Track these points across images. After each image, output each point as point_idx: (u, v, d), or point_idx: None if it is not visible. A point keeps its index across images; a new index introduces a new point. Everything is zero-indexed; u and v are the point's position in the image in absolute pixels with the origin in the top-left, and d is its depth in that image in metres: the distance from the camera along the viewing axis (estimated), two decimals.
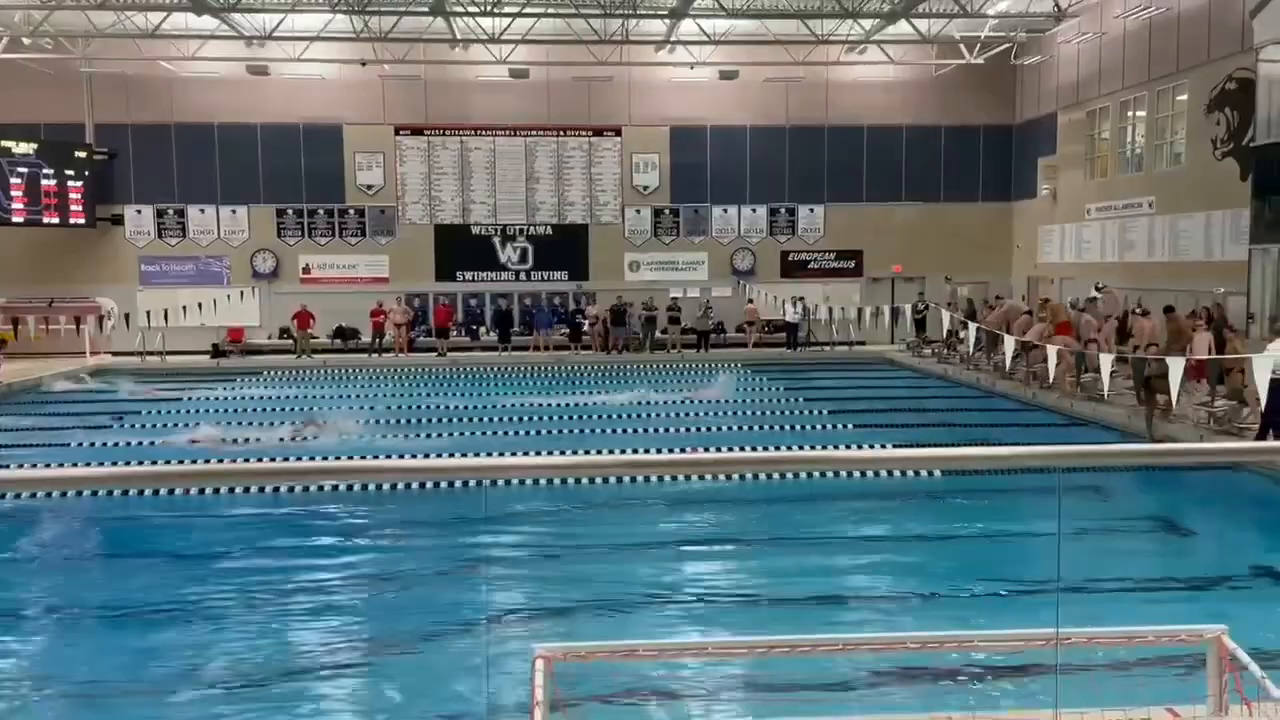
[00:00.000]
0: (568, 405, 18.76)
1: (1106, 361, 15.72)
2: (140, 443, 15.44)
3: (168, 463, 12.97)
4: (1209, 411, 14.52)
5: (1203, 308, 17.79)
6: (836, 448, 13.67)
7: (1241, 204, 18.78)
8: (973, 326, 21.47)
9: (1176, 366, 13.67)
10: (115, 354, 26.14)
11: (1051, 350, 17.56)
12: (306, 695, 6.78)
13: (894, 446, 13.00)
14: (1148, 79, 22.54)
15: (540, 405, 18.61)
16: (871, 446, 13.53)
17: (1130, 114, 23.82)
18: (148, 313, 26.93)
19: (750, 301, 28.36)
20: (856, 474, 11.92)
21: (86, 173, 27.04)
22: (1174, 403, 14.21)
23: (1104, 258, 24.30)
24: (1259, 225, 18.17)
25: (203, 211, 28.28)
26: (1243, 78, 19.01)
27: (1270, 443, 11.86)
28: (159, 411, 18.50)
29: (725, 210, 29.41)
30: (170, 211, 28.23)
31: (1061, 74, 26.39)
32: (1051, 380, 17.99)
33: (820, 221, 29.58)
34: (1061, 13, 24.51)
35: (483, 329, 28.60)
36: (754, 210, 29.47)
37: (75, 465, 13.28)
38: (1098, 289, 21.42)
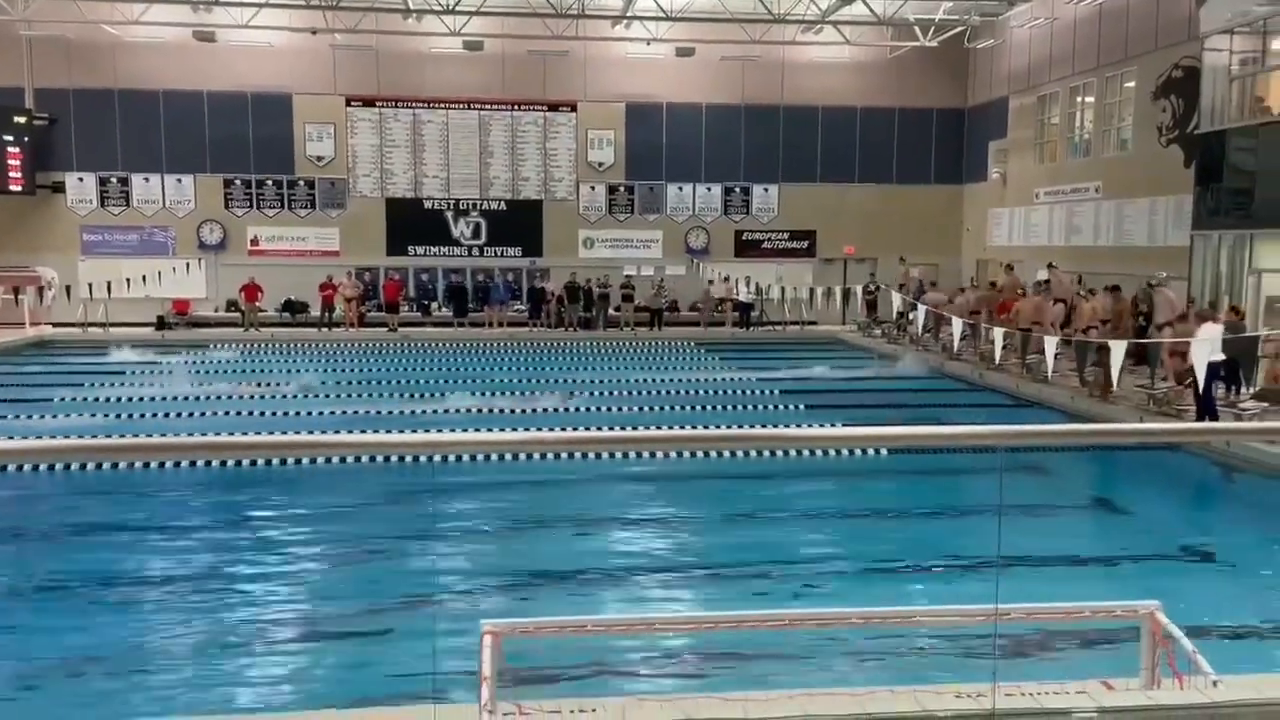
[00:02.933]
0: (520, 381, 18.69)
1: (1050, 344, 16.00)
2: (80, 415, 15.12)
3: (109, 436, 12.73)
4: (1149, 393, 14.86)
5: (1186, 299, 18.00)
6: (787, 426, 13.79)
7: (1185, 190, 19.16)
8: (921, 308, 21.74)
9: (1119, 347, 13.96)
10: (56, 325, 25.53)
11: (998, 333, 17.84)
12: (250, 672, 6.72)
13: (843, 425, 13.13)
14: (1097, 65, 22.87)
15: (493, 381, 18.52)
16: (821, 425, 13.68)
17: (1079, 99, 24.17)
18: (90, 284, 26.30)
19: (711, 282, 28.33)
20: (806, 452, 12.04)
21: (26, 138, 26.26)
22: (1114, 383, 14.54)
23: (1051, 241, 24.69)
24: (1201, 212, 18.57)
25: (147, 180, 27.64)
26: (1189, 66, 19.36)
27: (1207, 424, 12.20)
28: (102, 384, 18.12)
29: (680, 188, 29.39)
30: (114, 180, 27.55)
31: (1013, 58, 26.68)
32: (998, 361, 18.27)
33: (774, 201, 29.68)
34: None
35: (435, 304, 28.35)
36: (709, 189, 29.49)
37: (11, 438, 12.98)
38: (1049, 268, 21.77)
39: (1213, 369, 12.69)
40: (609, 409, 15.96)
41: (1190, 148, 19.28)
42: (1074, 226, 23.79)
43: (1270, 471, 11.54)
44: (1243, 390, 14.06)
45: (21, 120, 26.27)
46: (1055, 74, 24.65)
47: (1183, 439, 12.15)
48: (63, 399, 16.49)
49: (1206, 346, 12.61)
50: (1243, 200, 17.80)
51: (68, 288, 26.37)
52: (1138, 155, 21.47)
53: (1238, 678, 4.12)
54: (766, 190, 29.65)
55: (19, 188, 26.39)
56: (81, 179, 27.41)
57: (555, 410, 15.91)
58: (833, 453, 12.15)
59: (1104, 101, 22.97)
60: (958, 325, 19.42)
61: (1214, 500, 11.98)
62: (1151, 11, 20.76)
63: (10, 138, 26.01)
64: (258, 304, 25.99)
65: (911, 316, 22.55)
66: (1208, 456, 12.44)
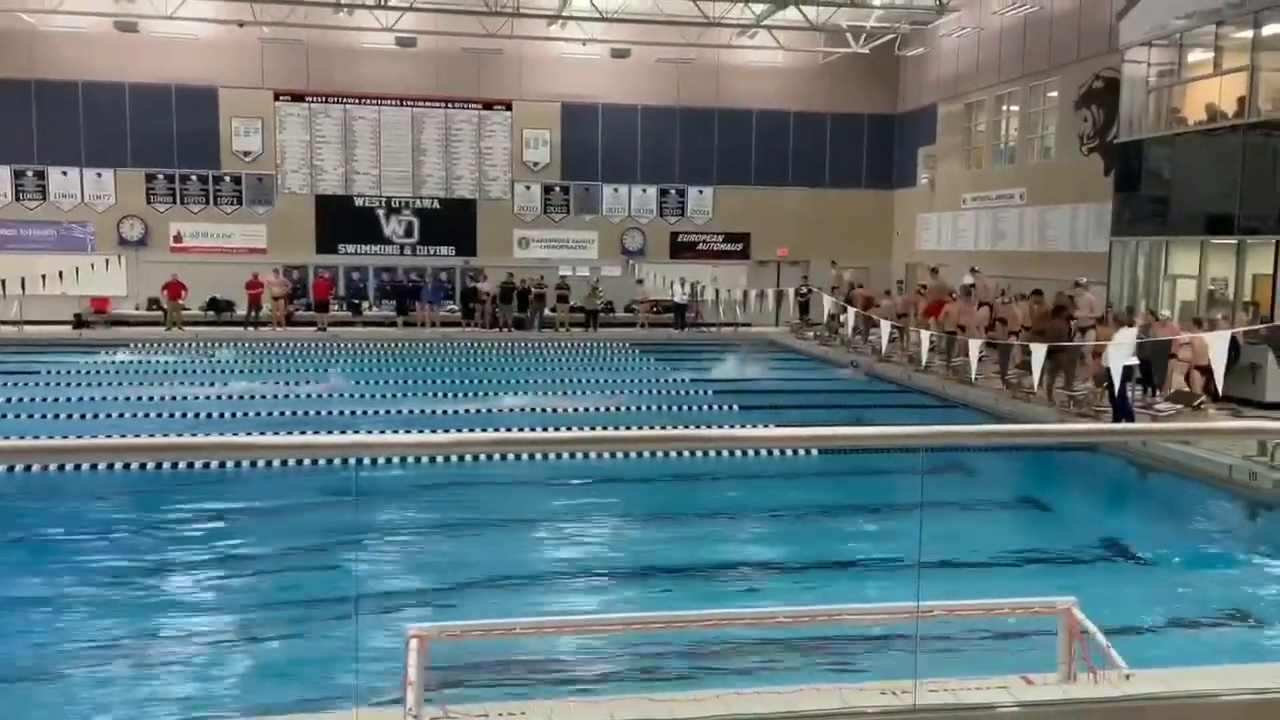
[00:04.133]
0: (451, 382, 18.50)
1: (975, 346, 16.35)
2: None
3: (21, 438, 12.29)
4: (1069, 395, 15.26)
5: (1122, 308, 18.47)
6: (720, 427, 13.86)
7: (1105, 198, 19.73)
8: (851, 311, 22.05)
9: (1039, 351, 14.31)
10: None
11: (924, 336, 18.17)
12: (171, 680, 6.54)
13: (774, 426, 13.25)
14: (1022, 74, 23.44)
15: (425, 382, 18.32)
16: (753, 426, 13.79)
17: (1005, 108, 24.75)
18: (3, 280, 25.35)
19: (640, 281, 28.39)
20: (737, 452, 12.11)
21: None
22: (1036, 385, 14.90)
23: (978, 246, 25.24)
24: (1120, 219, 19.13)
25: (65, 174, 26.78)
26: (1109, 77, 19.93)
27: (1123, 424, 12.55)
28: (14, 384, 17.49)
29: (616, 189, 29.41)
30: (29, 173, 26.64)
31: (942, 66, 27.21)
32: (925, 364, 18.61)
33: (709, 203, 29.86)
34: (943, 6, 25.25)
35: (366, 303, 27.94)
36: (644, 190, 29.56)
37: None
38: (973, 272, 22.24)
39: (1127, 371, 13.07)
40: (542, 409, 15.88)
41: (1110, 156, 19.86)
42: (999, 232, 24.34)
43: (1183, 471, 11.92)
44: (1156, 393, 14.52)
45: None
46: (982, 82, 25.20)
47: (1100, 439, 12.50)
48: None
49: (1122, 350, 12.99)
50: (1159, 208, 18.38)
51: None
52: (1060, 163, 22.05)
53: (1149, 671, 4.24)
54: (701, 192, 29.81)
55: None
56: None
57: (485, 411, 15.78)
58: (764, 453, 12.24)
59: (1028, 110, 23.55)
60: (886, 328, 19.72)
61: (1129, 499, 12.34)
62: (1074, 23, 21.34)
63: None
64: (181, 302, 25.32)
65: (842, 319, 22.85)
66: (1124, 456, 12.81)
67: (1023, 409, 15.37)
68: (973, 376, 16.71)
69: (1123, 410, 13.18)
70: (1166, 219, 18.09)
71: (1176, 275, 18.15)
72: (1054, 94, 22.42)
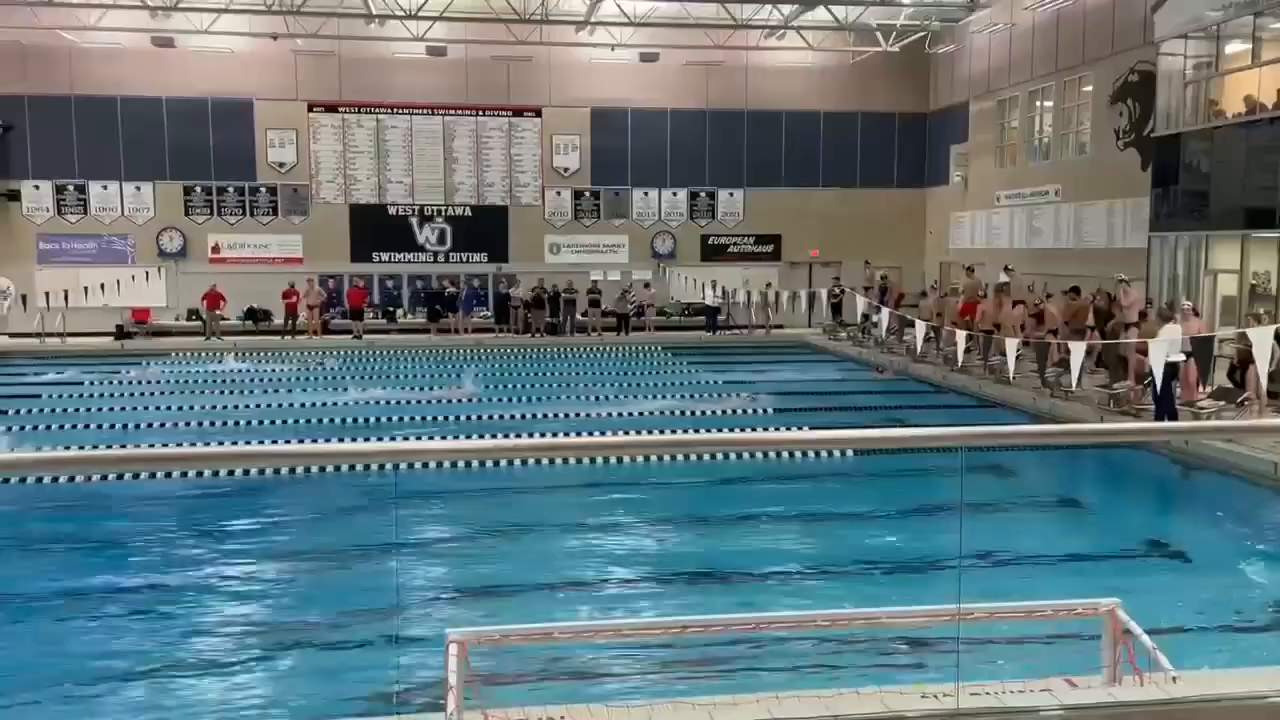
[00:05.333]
0: (488, 387, 18.61)
1: (1012, 345, 16.18)
2: (37, 428, 14.86)
3: (66, 449, 12.51)
4: (1109, 393, 15.07)
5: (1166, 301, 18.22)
6: (754, 430, 13.84)
7: (1142, 193, 19.45)
8: (885, 311, 21.92)
9: (1078, 350, 14.14)
10: (12, 335, 25.08)
11: (960, 335, 18.01)
12: (214, 683, 6.63)
13: (809, 428, 13.19)
14: (1055, 70, 23.18)
15: (462, 387, 18.46)
16: (788, 429, 13.75)
17: (1038, 104, 24.48)
18: (47, 293, 25.84)
19: (646, 286, 28.33)
20: (773, 455, 12.08)
21: None
22: (1075, 383, 14.73)
23: (1012, 244, 24.98)
24: (1158, 214, 18.86)
25: (105, 188, 27.24)
26: (1144, 70, 19.67)
27: (1165, 424, 12.38)
28: (58, 395, 17.82)
29: (646, 193, 29.43)
30: (70, 188, 27.12)
31: (974, 63, 26.98)
32: (960, 363, 18.44)
33: (739, 206, 29.80)
34: (974, 3, 25.05)
35: (400, 310, 28.17)
36: (674, 193, 29.55)
37: None
38: (1006, 271, 22.05)
39: (1171, 369, 12.87)
40: (577, 414, 15.92)
41: (1147, 151, 19.58)
42: (1034, 229, 24.08)
43: (1227, 469, 11.73)
44: (1201, 389, 14.28)
45: None
46: (1014, 79, 24.95)
47: (1143, 439, 12.35)
48: (18, 411, 16.19)
49: (1165, 346, 12.80)
50: (1198, 202, 18.10)
51: (24, 297, 25.91)
52: (1096, 159, 21.78)
53: (1196, 674, 4.19)
54: (732, 194, 29.76)
55: None
56: (38, 187, 26.95)
57: (522, 417, 15.86)
58: (799, 455, 12.20)
59: (1062, 106, 23.29)
60: (921, 328, 19.58)
61: (1173, 498, 12.16)
62: (1108, 17, 21.08)
63: None
64: (219, 312, 25.68)
65: (875, 319, 22.72)
66: (1167, 455, 12.63)
67: (1061, 408, 15.20)
68: (1010, 375, 16.54)
69: (1166, 408, 12.99)
70: (1206, 213, 17.80)
71: (1217, 270, 17.86)
72: (1088, 89, 22.16)
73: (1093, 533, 10.34)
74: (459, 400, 17.31)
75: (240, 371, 21.26)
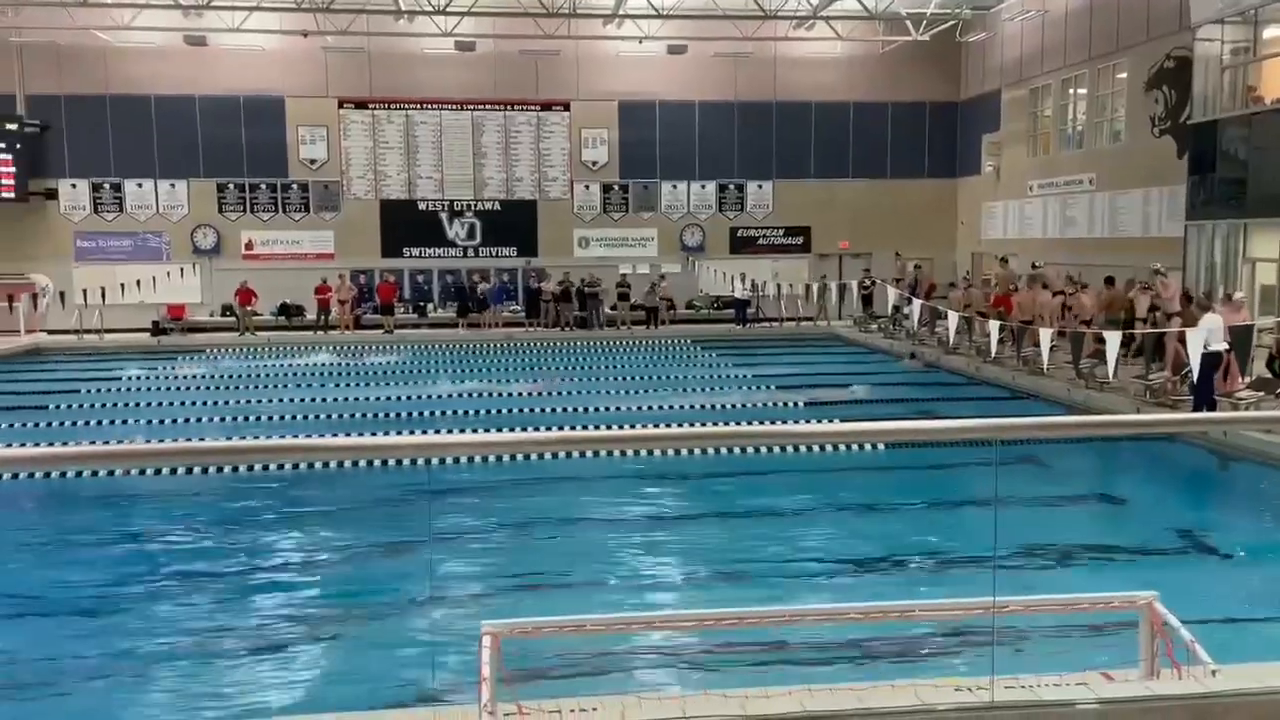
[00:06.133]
0: (516, 382, 18.70)
1: (1046, 336, 16.02)
2: (75, 423, 15.11)
3: (105, 443, 12.69)
4: (1145, 384, 14.88)
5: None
6: (784, 422, 13.81)
7: (1178, 181, 19.17)
8: (916, 302, 21.76)
9: (1114, 340, 13.97)
10: (51, 332, 25.49)
11: (993, 326, 17.85)
12: (249, 675, 6.72)
13: (840, 421, 13.15)
14: (1089, 57, 22.88)
15: (489, 382, 18.55)
16: (819, 421, 13.71)
17: (1072, 91, 24.18)
18: (84, 290, 26.24)
19: (662, 279, 28.27)
20: (804, 448, 12.04)
21: (18, 145, 26.21)
22: (1111, 374, 14.56)
23: (1046, 233, 24.71)
24: (1195, 202, 18.57)
25: (140, 186, 27.60)
26: (1180, 56, 19.36)
27: (1202, 414, 12.20)
28: (97, 390, 18.10)
29: (674, 186, 29.39)
30: (106, 186, 27.50)
31: (1005, 51, 26.69)
32: (994, 354, 18.28)
33: (768, 198, 29.68)
34: None
35: (430, 305, 28.34)
36: (703, 186, 29.48)
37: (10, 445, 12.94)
38: (1034, 268, 21.83)
39: (1213, 359, 12.68)
40: (606, 408, 15.96)
41: (1183, 138, 19.29)
42: (1068, 219, 23.81)
43: (1267, 460, 11.55)
44: (1240, 380, 14.06)
45: (13, 127, 26.21)
46: (1047, 66, 24.66)
47: (1180, 429, 12.19)
48: (57, 406, 16.47)
49: (1203, 336, 12.61)
50: (1236, 190, 17.80)
51: (61, 294, 26.32)
52: (1131, 146, 21.48)
53: (1236, 667, 4.13)
54: (761, 186, 29.65)
55: (11, 195, 26.34)
56: (74, 185, 27.36)
57: (552, 410, 15.90)
58: (830, 448, 12.16)
59: (1096, 93, 22.98)
60: (953, 319, 19.42)
61: (1211, 490, 11.99)
62: (1142, 2, 20.76)
63: (2, 145, 25.96)
64: (251, 308, 25.96)
65: (907, 311, 22.57)
66: (1205, 446, 12.46)
67: (1096, 399, 15.03)
68: (1044, 367, 16.38)
69: (1204, 399, 12.81)
70: (1244, 201, 17.50)
71: (1256, 259, 17.57)
72: (1123, 75, 21.85)
73: (1129, 525, 10.22)
74: (537, 394, 17.41)
75: (324, 365, 21.41)
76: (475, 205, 28.70)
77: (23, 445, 12.22)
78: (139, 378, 19.72)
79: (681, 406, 16.15)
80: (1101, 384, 15.39)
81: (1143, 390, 14.83)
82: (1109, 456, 12.83)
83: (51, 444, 12.07)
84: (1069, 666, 4.24)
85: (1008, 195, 26.72)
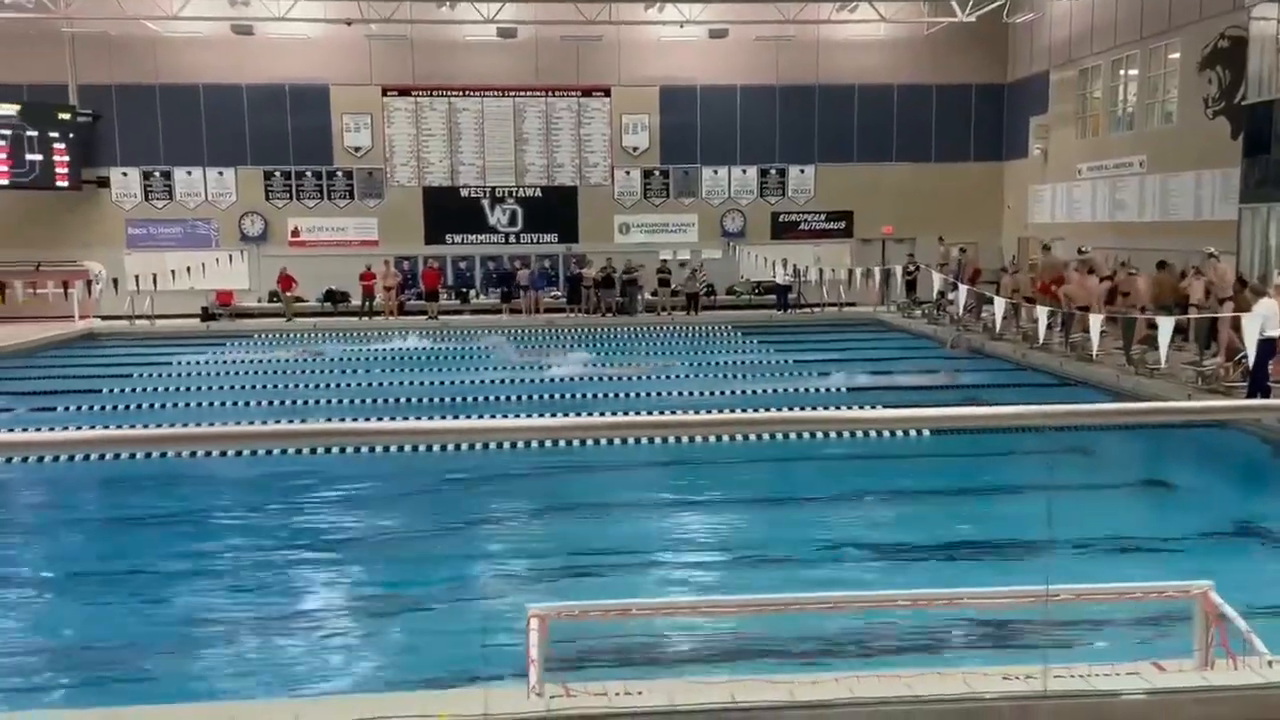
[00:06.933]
0: (559, 366, 18.77)
1: (1095, 322, 15.77)
2: (129, 406, 15.42)
3: (159, 426, 12.94)
4: (1197, 370, 14.61)
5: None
6: (827, 409, 13.73)
7: (1232, 163, 18.75)
8: (962, 288, 21.51)
9: (1166, 325, 13.73)
10: (104, 318, 26.01)
11: (1041, 311, 17.60)
12: (298, 656, 6.84)
13: (883, 407, 13.05)
14: (1140, 37, 22.41)
15: (533, 367, 18.65)
16: (861, 407, 13.62)
17: (1122, 72, 23.71)
18: (136, 276, 26.74)
19: (682, 265, 28.17)
20: (847, 434, 11.98)
21: (71, 134, 26.72)
22: (1163, 360, 14.31)
23: (1094, 217, 24.30)
24: (1249, 184, 18.16)
25: (189, 174, 28.03)
26: (1235, 36, 18.90)
27: (1257, 401, 11.96)
28: (149, 375, 18.46)
29: (715, 171, 29.27)
30: (156, 174, 27.96)
31: (1054, 32, 26.21)
32: (1041, 340, 18.03)
33: (810, 182, 29.47)
34: None
35: (473, 291, 28.52)
36: (744, 171, 29.34)
37: (69, 429, 13.25)
38: (1080, 253, 21.47)
39: (1267, 346, 12.42)
40: (647, 394, 15.98)
41: (1237, 119, 18.85)
42: (1118, 202, 23.38)
43: None
44: None
45: (66, 117, 26.74)
46: (1097, 46, 24.18)
47: (1234, 416, 11.96)
48: (111, 390, 16.82)
49: (1258, 322, 12.35)
50: None
51: (115, 281, 26.85)
52: (1183, 128, 21.03)
53: None
54: (803, 171, 29.44)
55: (65, 184, 26.88)
56: (126, 174, 27.86)
57: (593, 396, 15.96)
58: (873, 434, 12.08)
59: (1148, 74, 22.51)
60: (1000, 304, 19.18)
61: (1267, 479, 11.75)
62: None
63: (56, 134, 26.48)
64: (291, 293, 26.30)
65: (952, 296, 22.32)
66: (1259, 434, 12.21)
67: (1146, 385, 14.77)
68: (1094, 353, 16.12)
69: (1259, 385, 12.55)
70: None
71: None
72: (1175, 55, 21.37)
73: (1181, 514, 10.05)
74: (638, 378, 17.51)
75: (419, 350, 21.70)
76: (516, 192, 28.80)
77: (78, 428, 12.52)
78: (189, 362, 20.07)
79: (722, 392, 16.13)
80: (1152, 370, 15.13)
81: (1194, 377, 14.56)
82: (1159, 444, 12.62)
83: (106, 427, 12.34)
84: (1121, 656, 4.20)
85: (1055, 178, 26.29)
